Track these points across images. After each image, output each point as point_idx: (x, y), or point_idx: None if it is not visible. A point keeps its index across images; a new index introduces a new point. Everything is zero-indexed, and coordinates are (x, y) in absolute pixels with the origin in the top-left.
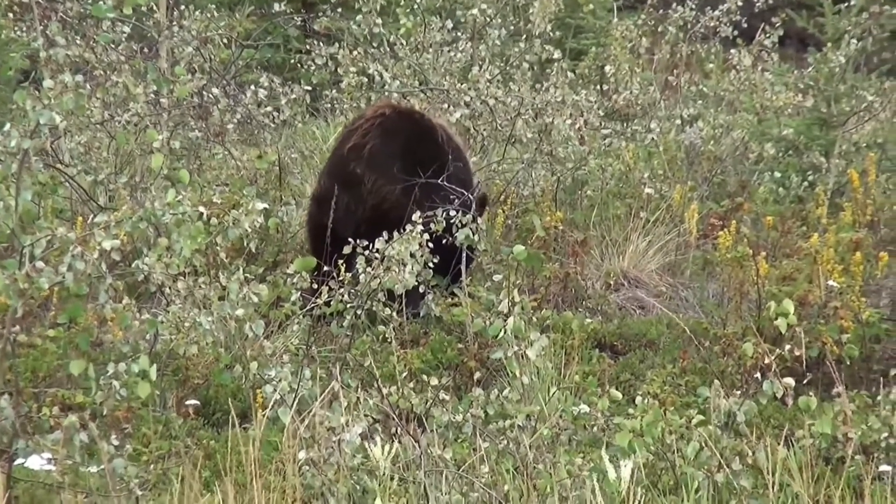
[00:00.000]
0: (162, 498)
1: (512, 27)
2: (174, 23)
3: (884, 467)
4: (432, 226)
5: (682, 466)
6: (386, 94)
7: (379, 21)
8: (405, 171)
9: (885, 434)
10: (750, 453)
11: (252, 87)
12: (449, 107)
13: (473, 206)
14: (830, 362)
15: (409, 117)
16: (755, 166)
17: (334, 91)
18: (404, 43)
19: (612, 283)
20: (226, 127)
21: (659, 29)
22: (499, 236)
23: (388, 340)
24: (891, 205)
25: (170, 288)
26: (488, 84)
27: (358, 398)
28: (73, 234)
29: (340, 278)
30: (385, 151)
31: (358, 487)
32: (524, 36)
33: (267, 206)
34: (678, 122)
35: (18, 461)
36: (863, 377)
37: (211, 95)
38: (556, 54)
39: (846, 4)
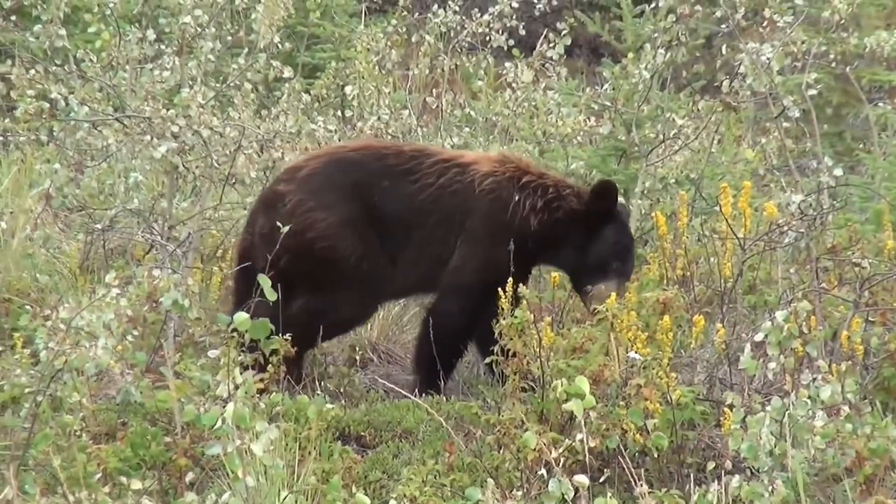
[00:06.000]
0: None
1: (230, 38)
2: None
3: None
4: None
5: None
6: (72, 122)
7: (63, 32)
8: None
9: None
10: None
11: None
12: (152, 139)
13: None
14: (632, 455)
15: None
16: None
17: (7, 120)
18: (95, 60)
19: (357, 357)
20: None
21: (414, 38)
22: (216, 301)
23: (78, 434)
24: (707, 256)
25: None
26: (201, 110)
27: None
28: None
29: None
30: (331, 179)
31: None
32: (245, 49)
33: None
34: None
35: None
36: (673, 472)
37: None
38: (287, 72)
39: (650, 5)
